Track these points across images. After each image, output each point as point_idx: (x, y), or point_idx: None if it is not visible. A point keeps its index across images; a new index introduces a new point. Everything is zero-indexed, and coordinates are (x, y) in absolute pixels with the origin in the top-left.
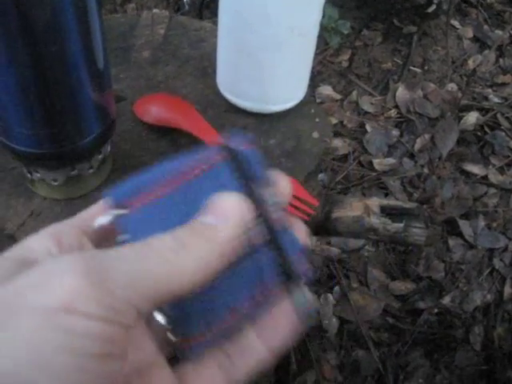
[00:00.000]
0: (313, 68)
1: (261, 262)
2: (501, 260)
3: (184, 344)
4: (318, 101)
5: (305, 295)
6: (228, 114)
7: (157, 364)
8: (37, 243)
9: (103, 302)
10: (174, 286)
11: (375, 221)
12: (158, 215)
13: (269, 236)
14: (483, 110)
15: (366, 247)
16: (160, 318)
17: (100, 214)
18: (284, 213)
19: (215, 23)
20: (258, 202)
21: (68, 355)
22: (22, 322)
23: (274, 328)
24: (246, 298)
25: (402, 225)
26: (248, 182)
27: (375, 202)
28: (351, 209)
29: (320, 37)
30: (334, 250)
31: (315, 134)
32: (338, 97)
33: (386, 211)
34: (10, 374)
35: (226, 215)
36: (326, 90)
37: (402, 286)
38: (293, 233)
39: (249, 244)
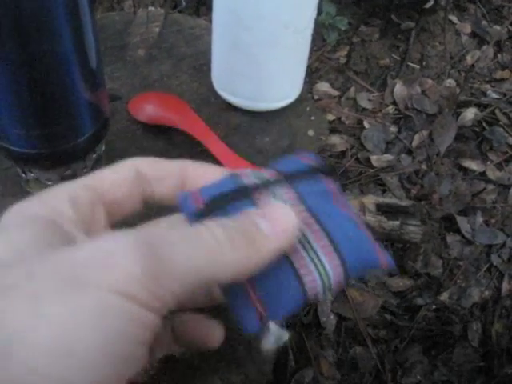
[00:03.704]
0: (310, 64)
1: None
2: (499, 256)
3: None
4: (316, 97)
5: None
6: (223, 112)
7: None
8: (58, 205)
9: (156, 292)
10: (211, 278)
11: (371, 219)
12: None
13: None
14: (481, 106)
15: None
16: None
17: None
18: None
19: (211, 20)
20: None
21: (124, 341)
22: (86, 300)
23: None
24: None
25: (397, 223)
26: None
27: (371, 200)
28: None
29: (317, 33)
30: None
31: (310, 132)
32: (336, 93)
33: (382, 209)
34: (78, 355)
35: (279, 229)
36: (323, 87)
37: (399, 283)
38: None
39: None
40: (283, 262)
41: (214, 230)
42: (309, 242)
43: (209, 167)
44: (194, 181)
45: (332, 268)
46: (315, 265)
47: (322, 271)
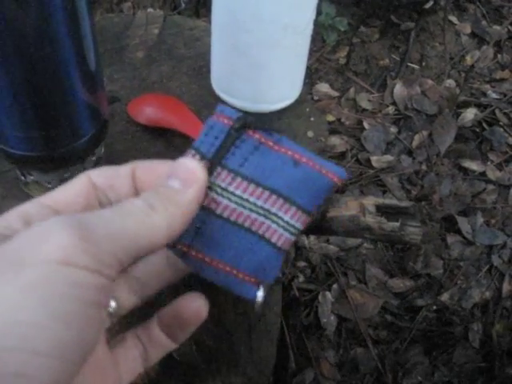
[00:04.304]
0: (310, 65)
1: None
2: (499, 257)
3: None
4: (316, 98)
5: None
6: None
7: (99, 341)
8: (10, 223)
9: (95, 255)
10: (147, 241)
11: (371, 220)
12: None
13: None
14: (481, 106)
15: (364, 245)
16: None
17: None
18: None
19: (211, 22)
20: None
21: (74, 304)
22: (29, 275)
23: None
24: None
25: (397, 224)
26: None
27: (371, 201)
28: (347, 208)
29: (317, 34)
30: (332, 248)
31: (310, 134)
32: (336, 94)
33: (382, 210)
34: (31, 324)
35: (187, 179)
36: (323, 88)
37: (400, 284)
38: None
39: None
40: (249, 238)
41: (134, 201)
42: (263, 208)
43: (157, 163)
44: (145, 179)
45: (291, 217)
46: (276, 223)
47: (283, 224)
